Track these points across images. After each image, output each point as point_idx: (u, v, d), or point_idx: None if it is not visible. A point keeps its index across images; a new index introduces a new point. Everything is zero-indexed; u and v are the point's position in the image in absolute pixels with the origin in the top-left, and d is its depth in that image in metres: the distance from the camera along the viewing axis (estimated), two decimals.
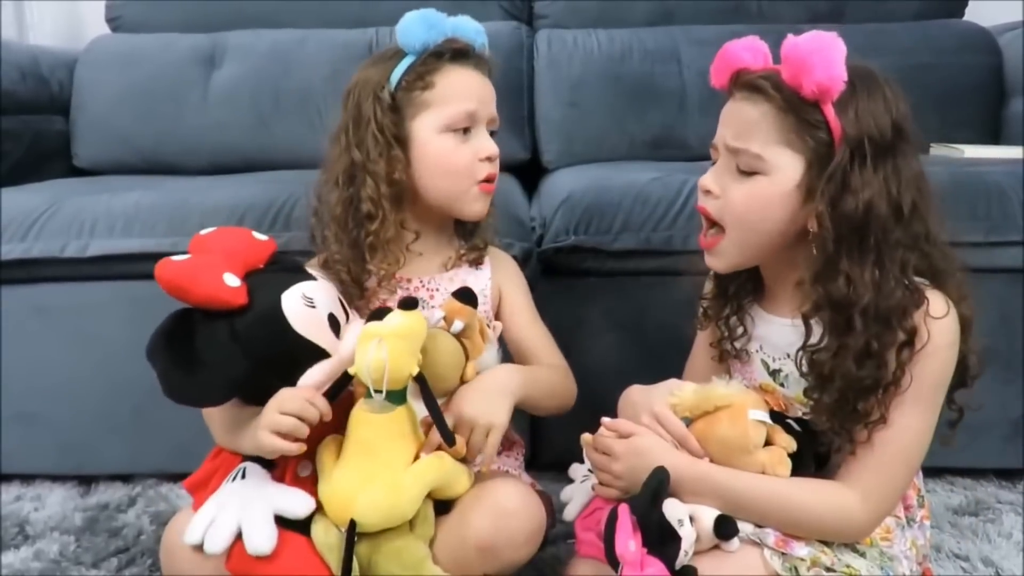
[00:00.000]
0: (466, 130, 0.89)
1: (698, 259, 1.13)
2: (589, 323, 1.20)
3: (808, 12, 1.66)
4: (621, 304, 1.20)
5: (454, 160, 0.88)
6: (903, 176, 0.72)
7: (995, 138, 1.59)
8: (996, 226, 1.12)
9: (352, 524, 0.73)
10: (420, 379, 0.76)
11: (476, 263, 0.95)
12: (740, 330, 0.85)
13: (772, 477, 0.74)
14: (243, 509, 0.74)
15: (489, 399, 0.80)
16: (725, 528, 0.72)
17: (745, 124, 0.75)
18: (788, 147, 0.74)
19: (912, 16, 1.68)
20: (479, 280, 0.94)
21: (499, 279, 0.96)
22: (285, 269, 0.83)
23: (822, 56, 0.70)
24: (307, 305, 0.77)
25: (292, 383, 0.76)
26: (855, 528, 0.74)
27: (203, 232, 0.82)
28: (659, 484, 0.71)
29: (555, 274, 1.20)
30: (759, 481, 0.74)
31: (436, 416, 0.75)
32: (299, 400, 0.74)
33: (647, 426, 0.78)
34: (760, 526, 0.74)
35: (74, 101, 1.65)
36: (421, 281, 0.93)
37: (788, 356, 0.80)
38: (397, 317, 0.76)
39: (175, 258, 0.75)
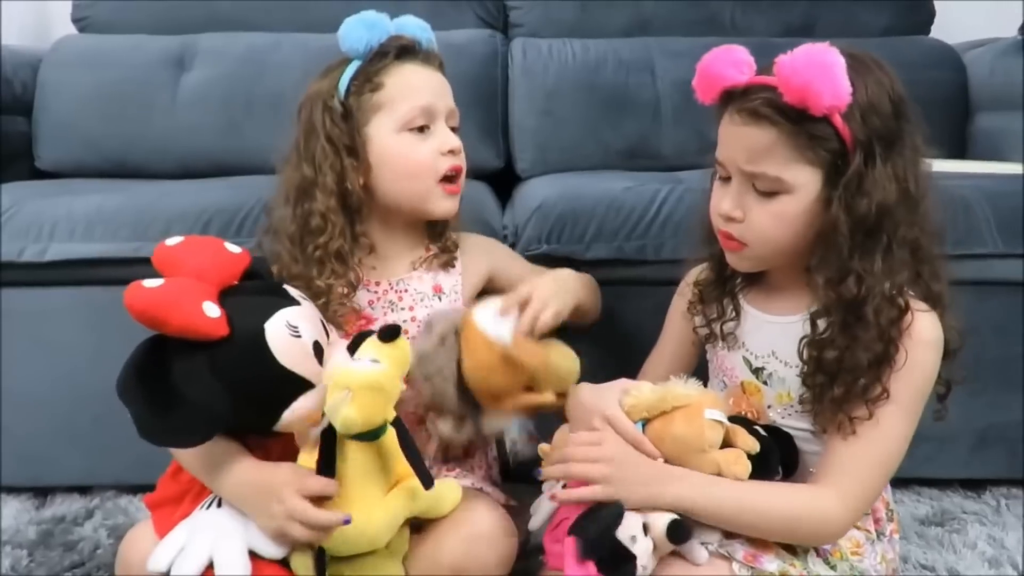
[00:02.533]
0: (423, 128, 0.88)
1: (671, 268, 1.15)
2: (561, 332, 1.19)
3: (781, 25, 1.68)
4: None
5: (415, 159, 0.87)
6: (907, 157, 0.73)
7: (961, 153, 1.62)
8: (963, 240, 1.13)
9: (320, 551, 0.72)
10: (396, 423, 0.73)
11: (446, 265, 0.94)
12: (731, 311, 0.84)
13: (748, 484, 0.73)
14: (217, 540, 0.71)
15: (561, 292, 0.85)
16: (678, 533, 0.71)
17: (756, 150, 0.74)
18: (805, 163, 0.73)
19: (880, 32, 1.71)
20: (449, 278, 0.93)
21: (477, 268, 0.95)
22: (264, 290, 0.77)
23: (825, 75, 0.69)
24: (292, 335, 0.73)
25: (275, 416, 0.73)
26: (831, 529, 0.74)
27: (170, 242, 0.77)
28: (613, 520, 0.70)
29: None
30: (733, 488, 0.73)
31: (414, 459, 0.73)
32: (320, 485, 0.72)
33: (598, 429, 0.77)
34: (731, 535, 0.74)
35: (38, 102, 1.60)
36: (390, 283, 0.91)
37: (773, 355, 0.80)
38: (369, 361, 0.71)
39: (147, 283, 0.69)
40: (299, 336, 0.74)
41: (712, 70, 0.76)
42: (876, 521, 0.81)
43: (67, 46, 1.66)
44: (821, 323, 0.75)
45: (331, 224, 0.84)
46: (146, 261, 1.14)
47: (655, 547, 0.71)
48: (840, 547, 0.78)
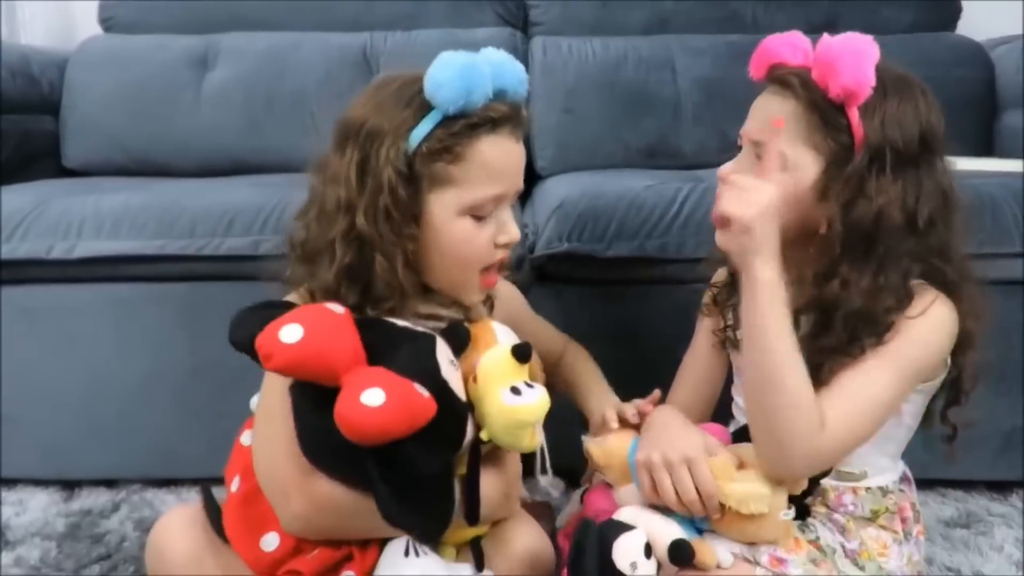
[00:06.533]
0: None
1: (692, 267, 1.14)
2: (581, 331, 1.18)
3: (803, 22, 1.66)
4: (614, 312, 1.19)
5: (470, 248, 0.75)
6: (924, 188, 0.72)
7: (988, 151, 1.59)
8: (990, 238, 1.11)
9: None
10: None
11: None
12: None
13: (796, 344, 0.70)
14: None
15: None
16: (679, 554, 0.68)
17: (771, 117, 0.74)
18: (810, 146, 0.73)
19: (905, 28, 1.69)
20: None
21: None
22: (394, 335, 0.69)
23: (852, 59, 0.70)
24: (455, 368, 0.69)
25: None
26: (808, 447, 0.69)
27: (288, 339, 0.63)
28: (606, 546, 0.69)
29: (548, 281, 1.19)
30: (784, 330, 0.69)
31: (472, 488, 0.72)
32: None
33: (677, 473, 0.72)
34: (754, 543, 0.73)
35: (64, 101, 1.63)
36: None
37: None
38: (525, 385, 0.68)
39: (366, 400, 0.60)
40: (457, 367, 0.70)
41: (769, 46, 0.78)
42: (903, 521, 0.80)
43: (93, 46, 1.69)
44: (804, 321, 0.75)
45: (399, 293, 0.74)
46: (170, 259, 1.17)
47: (660, 567, 0.70)
48: (868, 548, 0.77)
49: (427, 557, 0.70)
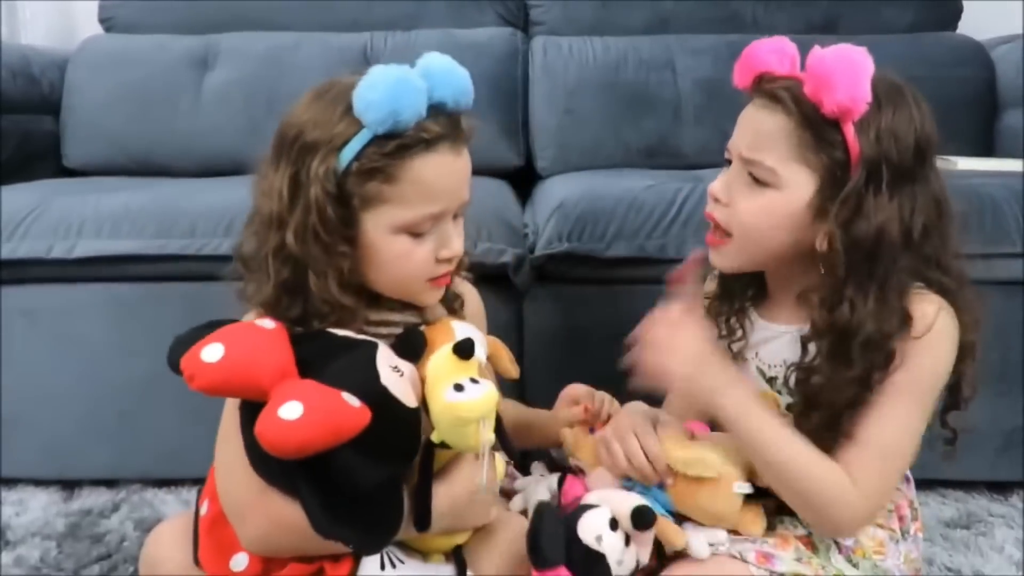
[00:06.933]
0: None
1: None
2: (581, 331, 1.19)
3: (803, 22, 1.67)
4: (614, 312, 1.18)
5: (408, 265, 0.72)
6: (918, 201, 0.70)
7: (988, 151, 1.59)
8: (991, 238, 1.11)
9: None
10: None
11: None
12: (739, 332, 0.83)
13: (789, 432, 0.72)
14: None
15: None
16: (642, 519, 0.70)
17: (761, 135, 0.72)
18: (803, 164, 0.71)
19: (906, 28, 1.69)
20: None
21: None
22: (329, 344, 0.68)
23: (846, 75, 0.67)
24: (399, 375, 0.67)
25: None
26: (846, 512, 0.71)
27: (208, 358, 0.62)
28: (567, 522, 0.70)
29: (548, 281, 1.19)
30: (773, 426, 0.71)
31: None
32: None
33: (626, 441, 0.77)
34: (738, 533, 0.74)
35: (65, 101, 1.63)
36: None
37: (785, 363, 0.79)
38: (469, 381, 0.66)
39: (283, 414, 0.58)
40: (401, 372, 0.68)
41: (755, 54, 0.74)
42: (900, 519, 0.80)
43: (93, 46, 1.69)
44: (811, 347, 0.73)
45: (338, 308, 0.72)
46: (170, 259, 1.17)
47: (629, 539, 0.71)
48: (863, 545, 0.77)
49: (404, 565, 0.69)
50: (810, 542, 0.76)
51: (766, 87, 0.73)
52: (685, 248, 1.13)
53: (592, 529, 0.70)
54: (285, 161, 0.70)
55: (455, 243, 0.74)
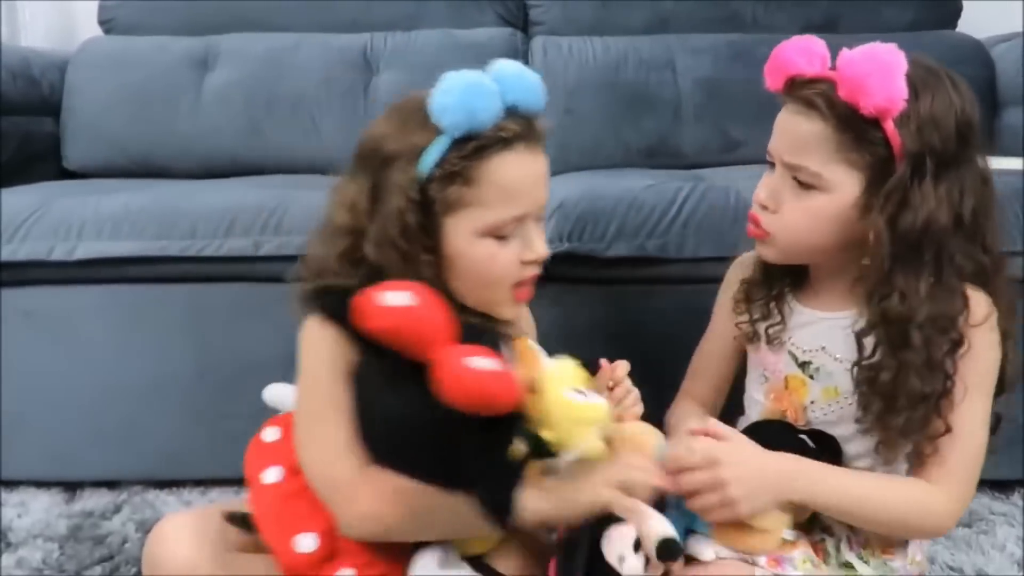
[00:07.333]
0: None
1: (693, 267, 1.14)
2: (582, 331, 1.19)
3: (803, 21, 1.67)
4: (615, 312, 1.19)
5: (493, 269, 0.72)
6: (966, 183, 0.71)
7: (988, 149, 1.59)
8: None
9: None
10: None
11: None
12: (777, 316, 0.83)
13: (862, 477, 0.74)
14: None
15: None
16: (668, 553, 0.67)
17: (801, 140, 0.73)
18: (846, 164, 0.71)
19: (906, 26, 1.69)
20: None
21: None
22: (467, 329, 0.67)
23: (881, 76, 0.67)
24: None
25: None
26: (942, 522, 0.74)
27: (390, 301, 0.62)
28: (591, 533, 0.68)
29: (548, 281, 1.18)
30: (851, 481, 0.73)
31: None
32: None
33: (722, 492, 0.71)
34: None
35: (65, 103, 1.63)
36: None
37: (823, 349, 0.79)
38: (601, 399, 0.68)
39: (479, 364, 0.59)
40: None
41: (783, 55, 0.74)
42: None
43: (93, 48, 1.69)
44: (867, 343, 0.73)
45: None
46: (171, 260, 1.17)
47: (649, 562, 0.69)
48: (872, 545, 0.77)
49: (457, 567, 0.70)
50: (822, 548, 0.76)
51: (800, 93, 0.73)
52: (685, 248, 1.14)
53: (616, 548, 0.68)
54: (364, 173, 0.72)
55: (538, 245, 0.74)
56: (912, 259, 0.70)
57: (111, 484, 1.25)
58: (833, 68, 0.72)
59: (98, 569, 1.04)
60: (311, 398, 0.73)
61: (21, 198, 1.24)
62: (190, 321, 1.20)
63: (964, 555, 1.06)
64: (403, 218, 0.69)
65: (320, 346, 0.71)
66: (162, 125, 1.59)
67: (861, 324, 0.73)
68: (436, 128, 0.69)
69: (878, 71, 0.68)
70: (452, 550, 0.72)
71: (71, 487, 1.25)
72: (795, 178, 0.74)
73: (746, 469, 0.70)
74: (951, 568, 1.03)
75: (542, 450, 0.69)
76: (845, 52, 0.70)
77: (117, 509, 1.19)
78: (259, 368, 1.22)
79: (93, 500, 1.21)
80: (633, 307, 1.19)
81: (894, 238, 0.69)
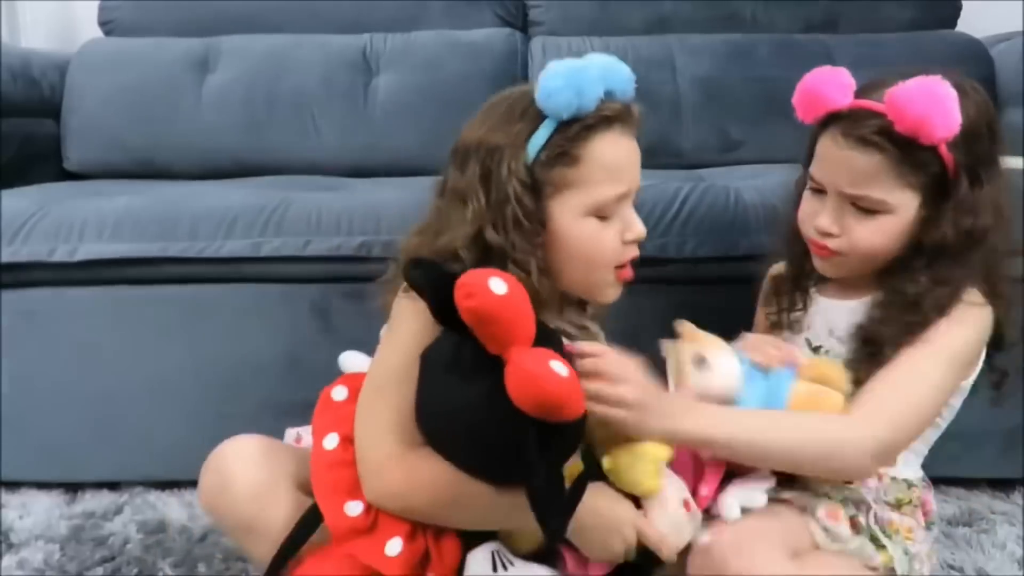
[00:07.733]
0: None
1: (692, 267, 1.14)
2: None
3: (802, 21, 1.67)
4: (614, 312, 1.18)
5: (598, 247, 0.76)
6: (1001, 180, 0.78)
7: None
8: None
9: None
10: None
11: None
12: (799, 304, 0.88)
13: (774, 415, 0.75)
14: None
15: None
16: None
17: (860, 174, 0.77)
18: (907, 187, 0.77)
19: (905, 26, 1.69)
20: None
21: None
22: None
23: (939, 111, 0.72)
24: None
25: None
26: (861, 461, 0.74)
27: (498, 288, 0.62)
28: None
29: None
30: (758, 419, 0.74)
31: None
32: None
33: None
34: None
35: (65, 104, 1.63)
36: None
37: (830, 333, 0.84)
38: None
39: (556, 369, 0.59)
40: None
41: (818, 92, 0.79)
42: (925, 513, 0.83)
43: (93, 49, 1.69)
44: (877, 310, 0.79)
45: (538, 303, 0.70)
46: (172, 261, 1.18)
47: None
48: (897, 526, 0.79)
49: (514, 567, 0.70)
50: (856, 522, 0.78)
51: (852, 132, 0.77)
52: (685, 248, 1.14)
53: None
54: (473, 165, 0.74)
55: (638, 225, 0.78)
56: (966, 254, 0.76)
57: (112, 485, 1.25)
58: (868, 96, 0.77)
59: (99, 570, 1.04)
60: (379, 370, 0.75)
61: (22, 199, 1.24)
62: (190, 322, 1.20)
63: (964, 554, 1.06)
64: (520, 199, 0.72)
65: (409, 322, 0.73)
66: (162, 126, 1.59)
67: (881, 296, 0.79)
68: (539, 115, 0.73)
69: (937, 107, 0.72)
70: (504, 548, 0.72)
71: (72, 488, 1.25)
72: (855, 204, 0.79)
73: (650, 393, 0.72)
74: (951, 567, 1.03)
75: (592, 472, 0.70)
76: (896, 91, 0.74)
77: (118, 510, 1.19)
78: (259, 368, 1.23)
79: (94, 501, 1.21)
80: (633, 307, 1.18)
81: (958, 241, 0.76)
